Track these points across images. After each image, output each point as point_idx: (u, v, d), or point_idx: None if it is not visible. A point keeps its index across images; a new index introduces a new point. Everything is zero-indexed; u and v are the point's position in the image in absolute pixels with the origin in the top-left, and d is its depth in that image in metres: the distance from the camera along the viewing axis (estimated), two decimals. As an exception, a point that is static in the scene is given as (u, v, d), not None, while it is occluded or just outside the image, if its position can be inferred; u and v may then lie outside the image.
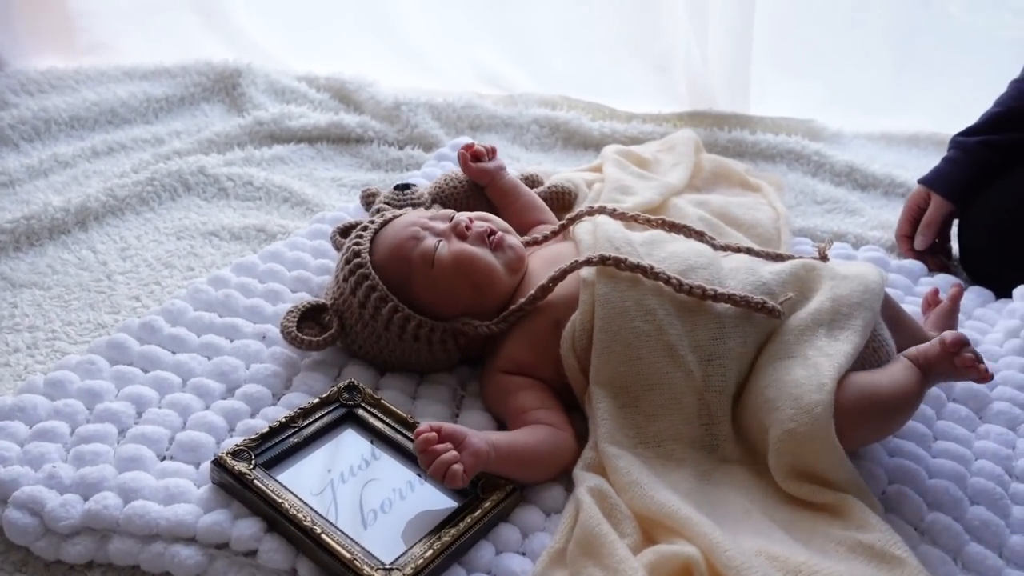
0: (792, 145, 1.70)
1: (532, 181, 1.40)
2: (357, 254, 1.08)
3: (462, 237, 1.07)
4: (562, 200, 1.34)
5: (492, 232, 1.09)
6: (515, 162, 1.65)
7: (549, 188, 1.35)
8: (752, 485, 0.92)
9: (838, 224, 1.47)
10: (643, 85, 1.86)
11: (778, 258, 1.07)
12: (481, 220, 1.11)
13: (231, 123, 1.68)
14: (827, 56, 1.88)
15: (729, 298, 0.97)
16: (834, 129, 1.80)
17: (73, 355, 1.08)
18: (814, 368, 0.92)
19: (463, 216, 1.09)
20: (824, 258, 1.07)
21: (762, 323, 0.98)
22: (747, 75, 1.79)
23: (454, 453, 0.89)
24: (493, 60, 1.92)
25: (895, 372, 0.95)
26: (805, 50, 1.86)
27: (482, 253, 1.06)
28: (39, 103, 1.65)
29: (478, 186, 1.29)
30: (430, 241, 1.07)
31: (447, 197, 1.28)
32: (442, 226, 1.09)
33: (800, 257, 1.06)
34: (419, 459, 0.90)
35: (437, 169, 1.51)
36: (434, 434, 0.90)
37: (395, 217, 1.14)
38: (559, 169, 1.57)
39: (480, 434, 0.92)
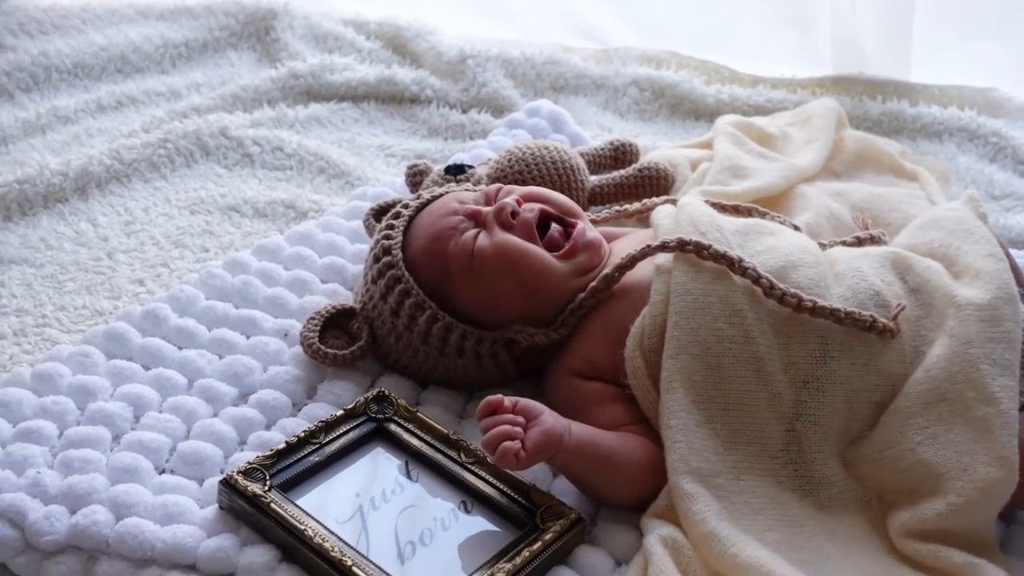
0: (965, 121, 1.70)
1: (625, 151, 1.44)
2: (387, 250, 1.14)
3: (507, 227, 1.11)
4: (655, 185, 1.37)
5: (545, 216, 1.12)
6: (606, 132, 1.70)
7: (639, 170, 1.38)
8: (858, 540, 0.95)
9: (1020, 226, 1.47)
10: (774, 41, 1.87)
11: (873, 242, 1.14)
12: (532, 200, 1.14)
13: (261, 75, 1.78)
14: (1019, 7, 1.86)
15: (831, 313, 1.00)
16: (1022, 100, 1.79)
17: (65, 345, 1.18)
18: (982, 426, 0.95)
19: (509, 199, 1.13)
20: (868, 234, 1.14)
21: (874, 342, 1.01)
22: (909, 31, 1.79)
23: (518, 429, 0.95)
24: (584, 4, 1.96)
25: None
26: (988, -1, 1.85)
27: (531, 247, 1.10)
28: (39, 46, 1.78)
29: (557, 168, 1.33)
30: (470, 232, 1.11)
31: (511, 183, 1.29)
32: (486, 210, 1.13)
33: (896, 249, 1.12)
34: (480, 428, 0.97)
35: (507, 139, 1.56)
36: (501, 399, 0.96)
37: (434, 199, 1.19)
38: (660, 144, 1.61)
39: (560, 417, 0.98)
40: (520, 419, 0.96)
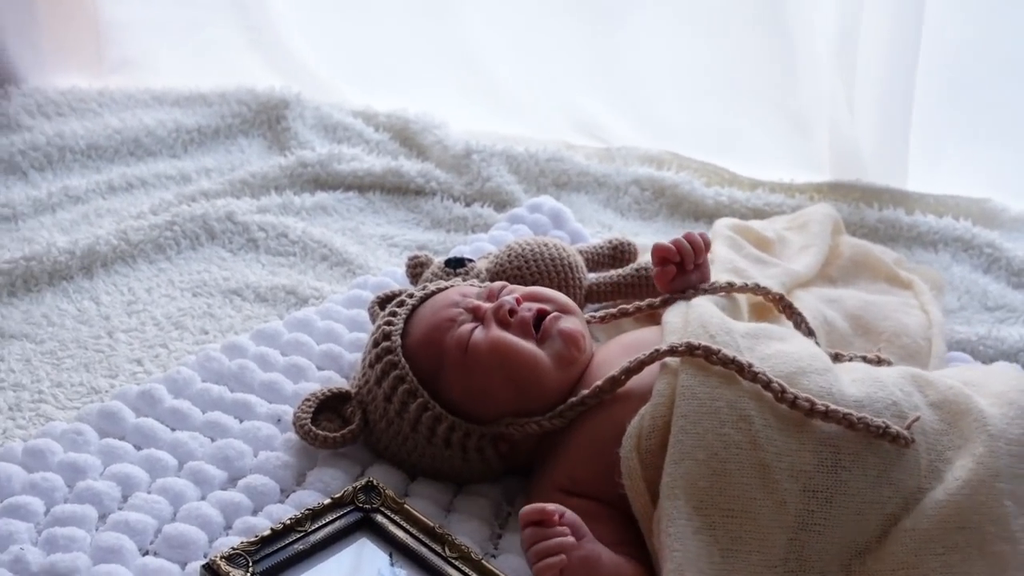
0: (960, 231, 1.71)
1: (623, 251, 1.46)
2: (387, 335, 1.16)
3: (504, 324, 1.12)
4: (652, 285, 1.38)
5: (542, 315, 1.14)
6: (607, 230, 1.73)
7: (637, 269, 1.39)
8: None
9: (1012, 338, 1.47)
10: (774, 146, 1.91)
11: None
12: (532, 300, 1.16)
13: (270, 163, 1.81)
14: (1017, 118, 1.89)
15: (844, 418, 0.99)
16: (1016, 211, 1.81)
17: (59, 422, 1.19)
18: (998, 563, 0.94)
19: (509, 297, 1.15)
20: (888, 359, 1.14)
21: (888, 453, 1.00)
22: (906, 139, 1.82)
23: (566, 541, 0.95)
24: (588, 103, 2.00)
25: None
26: (985, 109, 1.87)
27: (525, 344, 1.11)
28: (55, 127, 1.83)
29: (555, 265, 1.35)
30: (467, 326, 1.13)
31: (511, 280, 1.31)
32: (486, 306, 1.15)
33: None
34: (523, 533, 0.97)
35: (508, 234, 1.59)
36: (553, 511, 0.96)
37: (439, 291, 1.21)
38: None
39: (596, 543, 0.98)
40: (567, 532, 0.96)
